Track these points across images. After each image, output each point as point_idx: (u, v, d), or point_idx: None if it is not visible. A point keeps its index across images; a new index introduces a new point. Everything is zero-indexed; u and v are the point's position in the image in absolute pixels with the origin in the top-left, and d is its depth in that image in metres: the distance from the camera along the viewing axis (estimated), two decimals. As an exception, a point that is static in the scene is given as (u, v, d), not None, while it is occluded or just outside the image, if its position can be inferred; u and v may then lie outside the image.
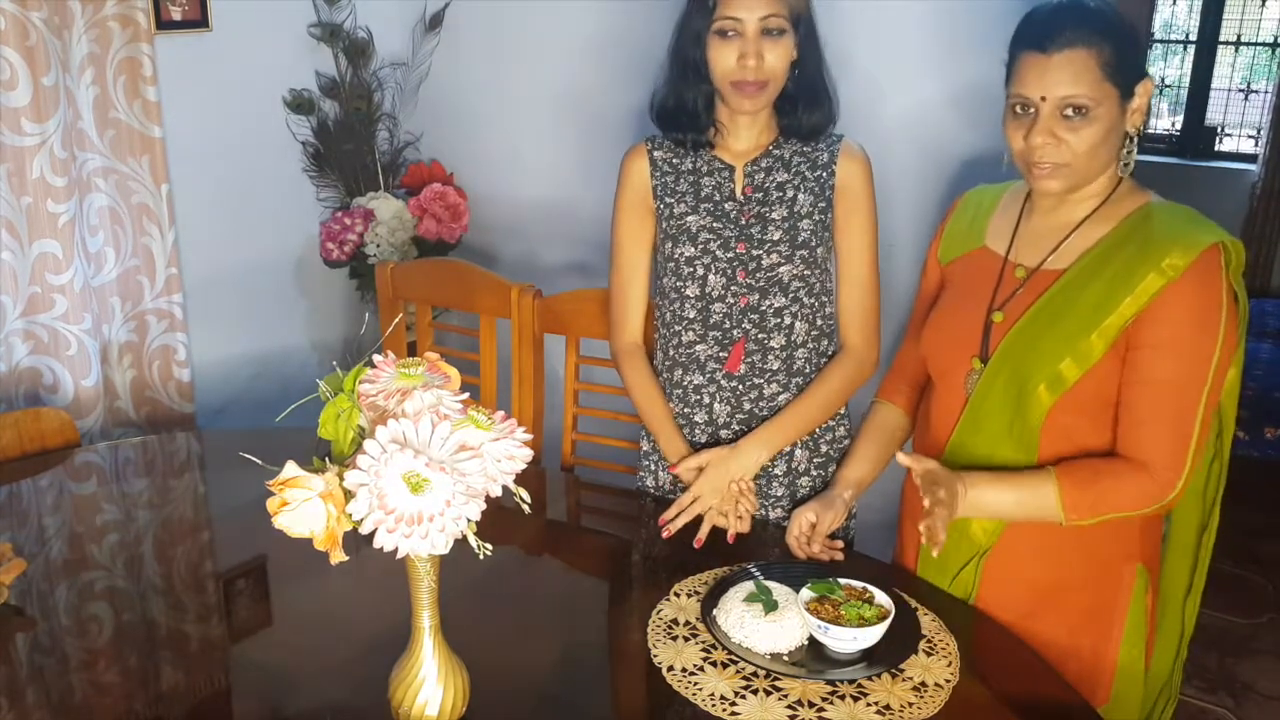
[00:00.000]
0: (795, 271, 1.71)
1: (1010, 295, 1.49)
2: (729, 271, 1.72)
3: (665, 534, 1.67)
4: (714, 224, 1.72)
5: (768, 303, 1.72)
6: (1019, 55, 1.40)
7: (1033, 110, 1.38)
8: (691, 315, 1.76)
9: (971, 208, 1.63)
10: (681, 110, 1.70)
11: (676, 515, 1.68)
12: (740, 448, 1.71)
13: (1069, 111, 1.36)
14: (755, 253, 1.71)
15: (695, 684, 1.31)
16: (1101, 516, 1.40)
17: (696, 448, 1.76)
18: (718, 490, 1.68)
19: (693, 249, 1.73)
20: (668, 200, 1.75)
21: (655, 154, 1.77)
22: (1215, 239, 1.37)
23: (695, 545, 1.64)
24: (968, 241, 1.60)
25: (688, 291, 1.75)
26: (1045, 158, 1.39)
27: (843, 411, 1.83)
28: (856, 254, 1.74)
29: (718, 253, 1.72)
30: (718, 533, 1.68)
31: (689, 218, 1.73)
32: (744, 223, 1.71)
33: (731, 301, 1.73)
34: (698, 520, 1.68)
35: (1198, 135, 5.29)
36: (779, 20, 1.60)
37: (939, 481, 1.40)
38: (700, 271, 1.73)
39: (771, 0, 1.59)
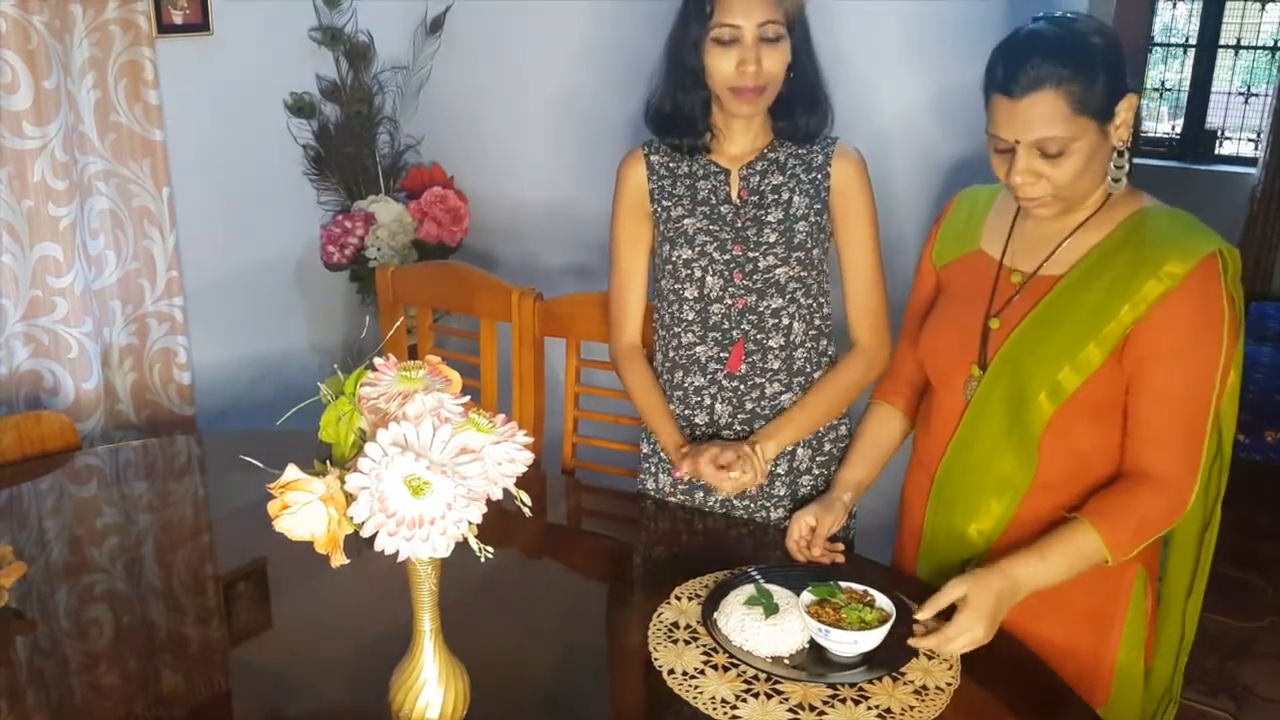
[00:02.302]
0: (792, 273, 1.71)
1: (1007, 301, 1.49)
2: (726, 274, 1.72)
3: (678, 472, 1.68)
4: (710, 227, 1.72)
5: (765, 304, 1.72)
6: (989, 95, 1.39)
7: (1010, 149, 1.38)
8: (690, 317, 1.76)
9: (966, 209, 1.62)
10: (679, 115, 1.70)
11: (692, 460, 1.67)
12: (751, 443, 1.70)
13: (1045, 149, 1.35)
14: (752, 255, 1.71)
15: (696, 687, 1.31)
16: (1140, 546, 1.40)
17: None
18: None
19: (690, 252, 1.73)
20: (665, 204, 1.76)
21: (652, 158, 1.77)
22: (1213, 247, 1.37)
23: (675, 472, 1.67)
24: (963, 244, 1.59)
25: (686, 294, 1.75)
26: (1028, 194, 1.39)
27: (844, 410, 1.83)
28: (859, 253, 1.74)
29: (714, 255, 1.72)
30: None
31: (686, 221, 1.74)
32: (740, 225, 1.72)
33: (729, 303, 1.73)
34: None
35: (1198, 139, 5.29)
36: (776, 27, 1.61)
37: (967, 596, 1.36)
38: (698, 274, 1.73)
39: (769, 7, 1.59)
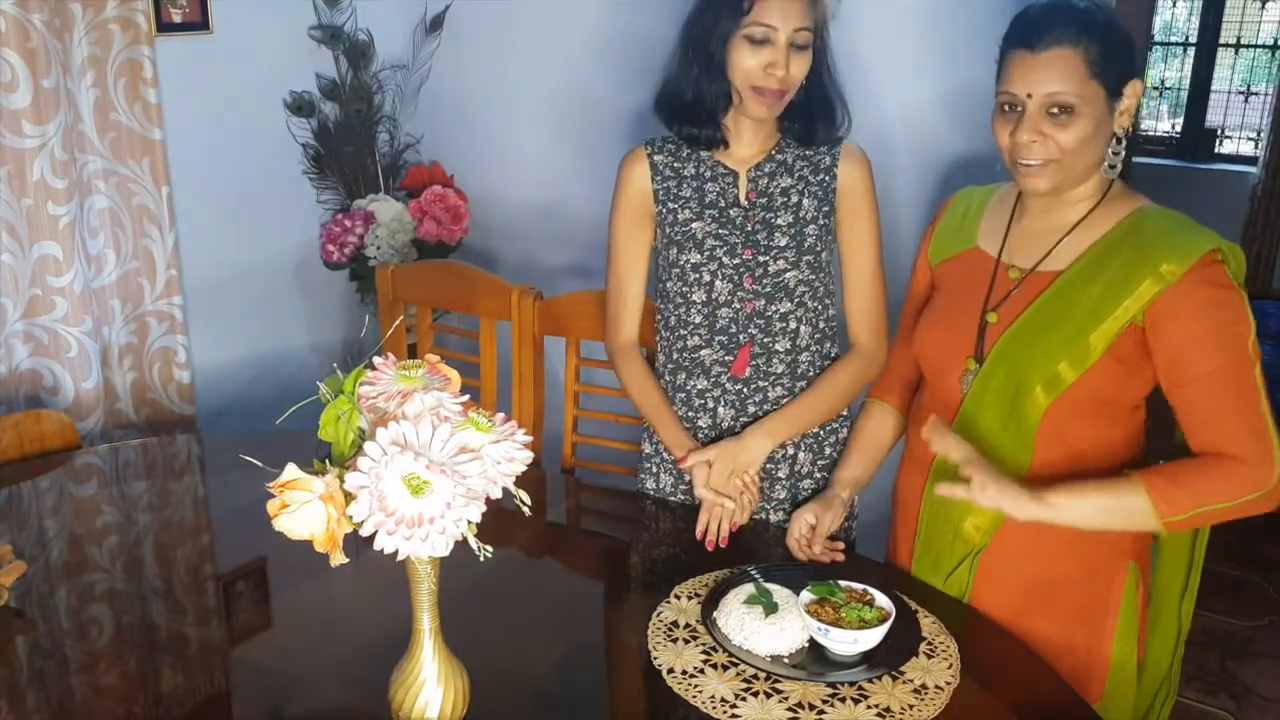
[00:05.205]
0: (801, 277, 1.71)
1: (1005, 296, 1.49)
2: (735, 278, 1.71)
3: (721, 544, 1.66)
4: (720, 230, 1.71)
5: (773, 308, 1.72)
6: (1008, 53, 1.42)
7: (1019, 108, 1.40)
8: (697, 320, 1.75)
9: (961, 208, 1.63)
10: (700, 105, 1.67)
11: (714, 527, 1.67)
12: (745, 440, 1.70)
13: (1054, 109, 1.38)
14: (762, 259, 1.70)
15: (695, 686, 1.31)
16: (1197, 510, 1.34)
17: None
18: (723, 483, 1.68)
19: (699, 256, 1.72)
20: (670, 205, 1.75)
21: (655, 158, 1.76)
22: (1211, 244, 1.37)
23: (708, 548, 1.64)
24: (959, 242, 1.60)
25: (694, 297, 1.74)
26: (1031, 155, 1.40)
27: (845, 413, 1.83)
28: (861, 254, 1.74)
29: (724, 259, 1.71)
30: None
31: (694, 224, 1.73)
32: (750, 229, 1.71)
33: (738, 307, 1.72)
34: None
35: (1198, 138, 5.29)
36: (807, 34, 1.60)
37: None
38: (706, 278, 1.72)
39: (804, 13, 1.58)
